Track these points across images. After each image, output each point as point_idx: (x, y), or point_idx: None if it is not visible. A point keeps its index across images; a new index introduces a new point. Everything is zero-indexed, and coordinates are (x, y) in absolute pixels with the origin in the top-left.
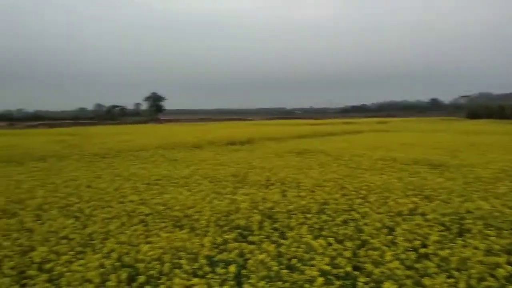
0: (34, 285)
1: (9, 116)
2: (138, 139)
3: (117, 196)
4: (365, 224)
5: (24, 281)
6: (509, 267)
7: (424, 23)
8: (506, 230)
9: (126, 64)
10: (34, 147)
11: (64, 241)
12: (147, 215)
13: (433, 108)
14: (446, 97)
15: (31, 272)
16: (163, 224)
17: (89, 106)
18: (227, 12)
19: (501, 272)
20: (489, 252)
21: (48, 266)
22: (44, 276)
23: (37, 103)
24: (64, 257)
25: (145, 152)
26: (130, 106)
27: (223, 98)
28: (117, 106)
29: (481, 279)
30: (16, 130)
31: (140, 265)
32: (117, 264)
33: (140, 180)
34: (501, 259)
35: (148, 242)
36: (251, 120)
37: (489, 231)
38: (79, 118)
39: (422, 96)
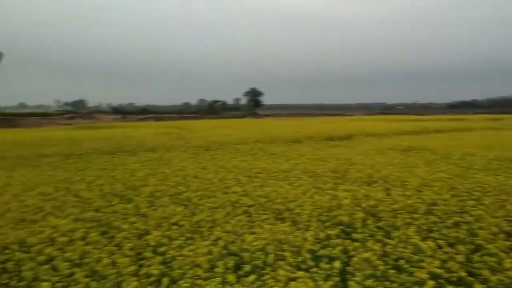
0: (149, 266)
1: (122, 109)
2: (238, 133)
3: (222, 187)
4: (480, 228)
5: (141, 261)
6: None
7: None
8: None
9: (228, 61)
10: (145, 138)
11: (175, 227)
12: (249, 206)
13: None
14: None
15: (147, 254)
16: (265, 216)
17: (193, 101)
18: (318, 5)
19: None
20: None
21: (161, 249)
22: (159, 259)
23: (146, 98)
24: (176, 242)
25: (245, 146)
26: (230, 101)
27: (321, 93)
28: (218, 101)
29: None
30: (129, 123)
31: (245, 254)
32: (224, 251)
33: (242, 173)
34: None
35: (252, 233)
36: (350, 115)
37: None
38: (183, 112)
39: None
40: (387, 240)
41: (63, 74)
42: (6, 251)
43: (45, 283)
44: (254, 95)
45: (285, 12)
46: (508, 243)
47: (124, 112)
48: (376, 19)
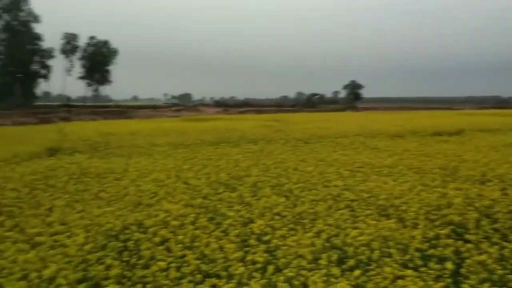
0: (254, 253)
1: (224, 103)
2: (337, 126)
3: (322, 180)
4: None
5: (246, 248)
6: None
7: None
8: None
9: (326, 53)
10: (246, 130)
11: (278, 217)
12: (352, 201)
13: None
14: None
15: (252, 242)
16: (368, 212)
17: (291, 94)
18: None
19: None
20: None
21: (265, 238)
22: (263, 247)
23: (246, 92)
24: (279, 232)
25: (345, 139)
26: (328, 94)
27: (426, 85)
28: (316, 94)
29: None
30: (230, 115)
31: (349, 249)
32: (327, 244)
33: (343, 166)
34: None
35: (355, 228)
36: (459, 109)
37: None
38: (281, 105)
39: None
40: (505, 244)
41: (171, 70)
42: (126, 231)
43: (161, 263)
44: (353, 88)
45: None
46: None
47: (225, 105)
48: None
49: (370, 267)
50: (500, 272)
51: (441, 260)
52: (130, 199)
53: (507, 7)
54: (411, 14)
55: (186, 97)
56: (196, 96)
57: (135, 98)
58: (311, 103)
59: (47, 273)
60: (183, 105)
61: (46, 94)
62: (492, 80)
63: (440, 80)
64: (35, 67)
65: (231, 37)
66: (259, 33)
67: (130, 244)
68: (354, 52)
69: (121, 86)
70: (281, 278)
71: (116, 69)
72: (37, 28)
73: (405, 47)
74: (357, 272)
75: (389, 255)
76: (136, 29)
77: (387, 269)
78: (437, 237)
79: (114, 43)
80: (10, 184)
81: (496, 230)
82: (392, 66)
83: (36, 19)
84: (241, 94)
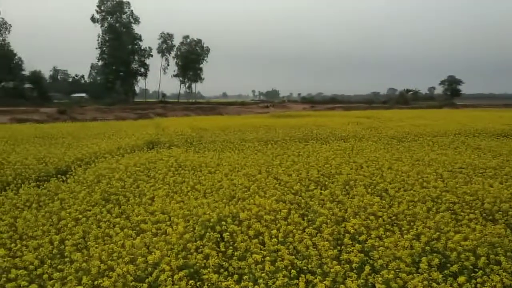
0: (349, 252)
1: (311, 99)
2: (434, 124)
3: (420, 181)
4: None
5: (340, 247)
6: None
7: None
8: None
9: (421, 48)
10: (335, 127)
11: (372, 217)
12: (453, 203)
13: None
14: None
15: (346, 241)
16: (472, 215)
17: (382, 90)
18: None
19: None
20: None
21: (360, 238)
22: (358, 246)
23: (334, 88)
24: (375, 232)
25: (443, 138)
26: (423, 90)
27: None
28: (410, 90)
29: None
30: (318, 112)
31: (451, 254)
32: (427, 248)
33: (442, 167)
34: None
35: (458, 232)
36: None
37: None
38: (372, 102)
39: None
40: None
41: (259, 67)
42: (222, 222)
43: (256, 255)
44: (451, 83)
45: None
46: None
47: (313, 102)
48: None
49: (476, 274)
50: None
51: None
52: (225, 192)
53: None
54: None
55: (273, 93)
56: (283, 92)
57: (224, 95)
58: (404, 99)
59: (151, 258)
60: (270, 101)
61: (144, 91)
62: None
63: None
64: (135, 65)
65: (319, 33)
66: (348, 27)
67: (226, 235)
68: (454, 45)
69: (212, 83)
70: (379, 279)
71: (207, 67)
72: (137, 29)
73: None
74: (461, 279)
75: (498, 263)
76: (226, 28)
77: (495, 278)
78: None
79: (206, 42)
80: (116, 174)
81: None
82: (497, 59)
83: (136, 20)
84: (328, 90)
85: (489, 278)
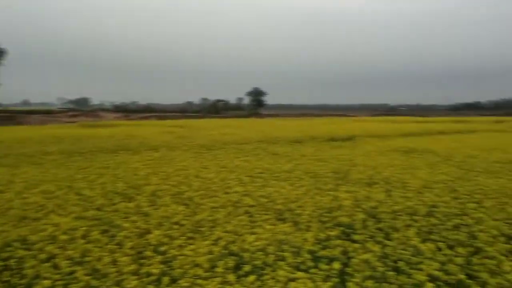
0: (150, 265)
1: (125, 108)
2: (241, 133)
3: (223, 187)
4: (480, 230)
5: (141, 261)
6: None
7: None
8: None
9: (231, 60)
10: (148, 137)
11: (176, 226)
12: (251, 206)
13: None
14: None
15: (148, 253)
16: (266, 216)
17: (196, 100)
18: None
19: None
20: None
21: (162, 248)
22: (159, 258)
23: (149, 97)
24: (177, 241)
25: (247, 145)
26: (233, 100)
27: (325, 94)
28: (221, 100)
29: None
30: (132, 121)
31: (246, 255)
32: (224, 251)
33: (244, 173)
34: None
35: (252, 233)
36: (353, 116)
37: None
38: (186, 111)
39: None
40: (387, 242)
41: (66, 72)
42: (8, 248)
43: (46, 281)
44: (257, 94)
45: (288, 9)
46: (508, 246)
47: (126, 111)
48: (381, 20)
49: (265, 271)
50: (381, 269)
51: (330, 260)
52: (14, 213)
53: (389, 23)
54: (315, 23)
55: (83, 101)
56: (95, 100)
57: (25, 103)
58: (215, 109)
59: None
60: (80, 110)
61: None
62: (381, 90)
63: (338, 89)
64: None
65: (132, 39)
66: (163, 37)
67: (11, 262)
68: (259, 59)
69: (10, 89)
70: None
71: (4, 71)
72: None
73: (309, 58)
74: (251, 278)
75: (283, 259)
76: (26, 28)
77: (281, 272)
78: (328, 238)
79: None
80: None
81: (380, 229)
82: (297, 74)
83: None
84: (143, 99)
85: (276, 273)
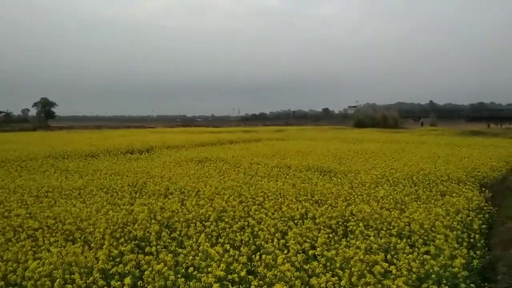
0: None
1: None
2: (25, 148)
3: (1, 211)
4: (260, 229)
5: None
6: (385, 264)
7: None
8: (384, 230)
9: (15, 67)
10: None
11: None
12: (36, 230)
13: (325, 118)
14: (336, 107)
15: None
16: (53, 239)
17: None
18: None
19: (378, 269)
20: (368, 251)
21: None
22: None
23: None
24: None
25: (33, 162)
26: (16, 112)
27: (122, 105)
28: (1, 112)
29: (361, 276)
30: None
31: (28, 283)
32: (2, 283)
33: (28, 192)
34: (379, 257)
35: (36, 258)
36: (151, 127)
37: (369, 232)
38: None
39: (316, 106)
40: (180, 250)
41: None
42: None
43: None
44: (45, 105)
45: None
46: (282, 241)
47: None
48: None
49: None
50: (172, 277)
51: (123, 276)
52: None
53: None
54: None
55: None
56: None
57: None
58: None
59: None
60: None
61: None
62: (177, 101)
63: (134, 100)
64: None
65: None
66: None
67: None
68: (50, 69)
69: None
70: None
71: None
72: None
73: (102, 68)
74: None
75: (72, 281)
76: None
77: None
78: (121, 254)
79: None
80: None
81: (173, 238)
82: (91, 85)
83: None
84: None
85: None
